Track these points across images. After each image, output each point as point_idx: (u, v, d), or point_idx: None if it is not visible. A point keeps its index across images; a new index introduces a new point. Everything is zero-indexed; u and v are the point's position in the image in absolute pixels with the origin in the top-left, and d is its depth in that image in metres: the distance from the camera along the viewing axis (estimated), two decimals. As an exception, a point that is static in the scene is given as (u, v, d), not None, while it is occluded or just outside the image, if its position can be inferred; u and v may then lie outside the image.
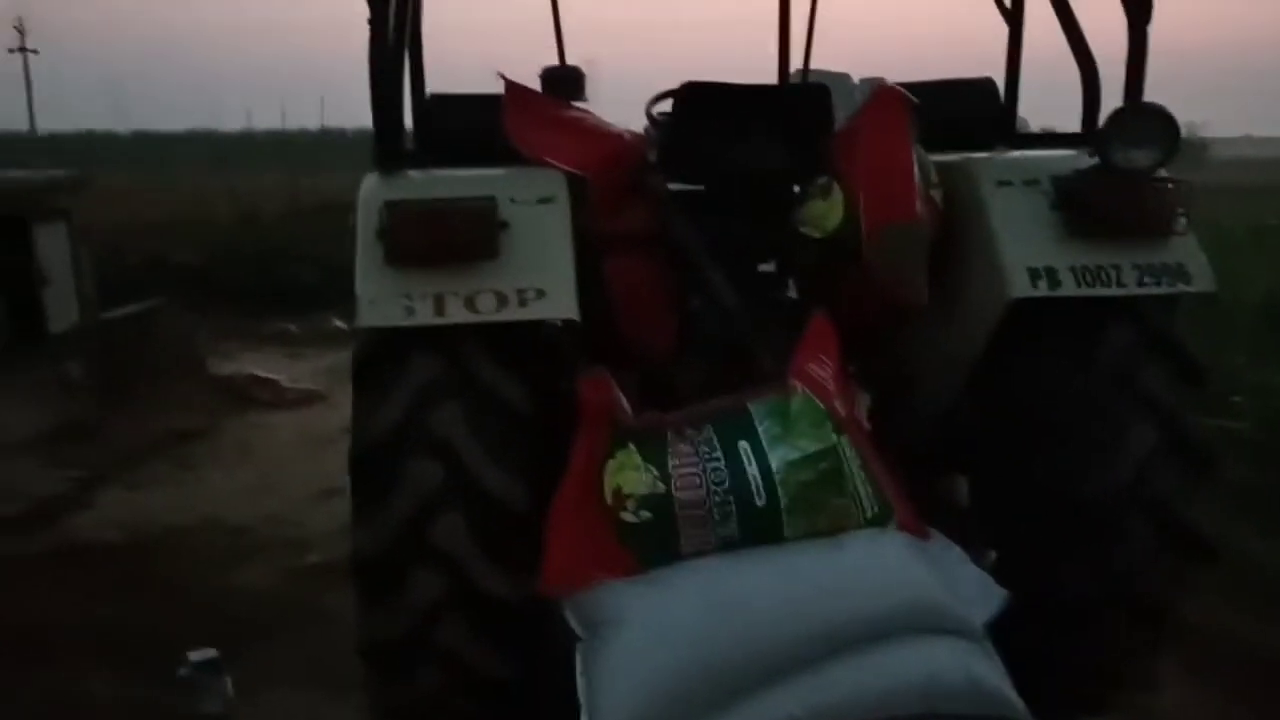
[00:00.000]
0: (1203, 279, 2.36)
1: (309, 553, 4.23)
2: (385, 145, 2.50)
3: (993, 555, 2.63)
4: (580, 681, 2.11)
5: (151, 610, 3.65)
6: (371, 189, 2.39)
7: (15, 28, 39.76)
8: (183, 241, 10.53)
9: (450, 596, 2.32)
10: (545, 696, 2.38)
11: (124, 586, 3.89)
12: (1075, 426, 2.40)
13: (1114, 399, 2.38)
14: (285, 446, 5.76)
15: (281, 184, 13.31)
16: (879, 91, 2.61)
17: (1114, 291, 2.34)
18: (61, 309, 6.02)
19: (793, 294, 2.87)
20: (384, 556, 2.32)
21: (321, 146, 16.52)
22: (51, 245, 5.98)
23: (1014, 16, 3.21)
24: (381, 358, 2.34)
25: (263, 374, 7.04)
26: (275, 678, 3.25)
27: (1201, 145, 26.40)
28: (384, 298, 2.27)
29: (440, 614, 2.33)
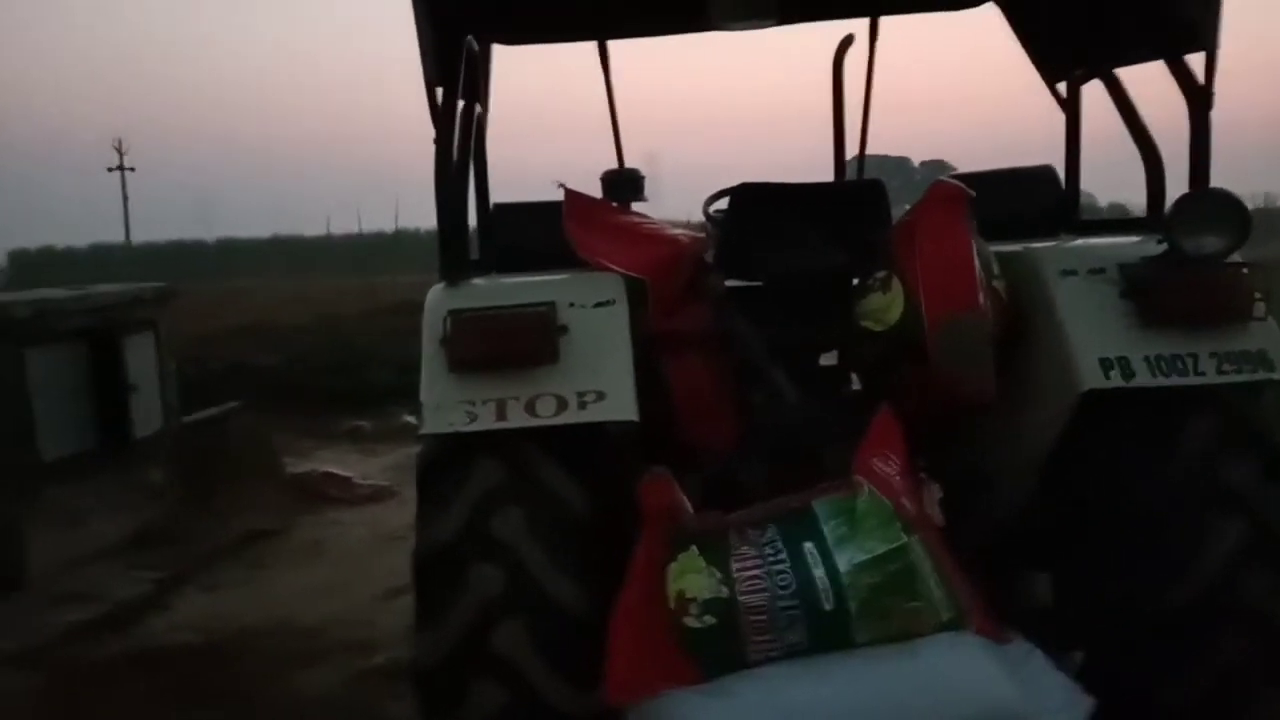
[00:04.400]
0: None
1: (376, 654, 4.22)
2: (450, 256, 2.59)
3: (1078, 658, 2.50)
4: (646, 797, 2.04)
5: (219, 716, 3.66)
6: (436, 298, 2.46)
7: (115, 148, 42.39)
8: (263, 345, 10.93)
9: (512, 706, 2.28)
10: None
11: (195, 691, 3.92)
12: (1157, 524, 2.29)
13: (1197, 494, 2.26)
14: (356, 544, 5.82)
15: (358, 285, 13.79)
16: (935, 185, 2.60)
17: (1191, 380, 2.25)
18: (146, 416, 6.24)
19: (856, 388, 2.83)
20: (445, 664, 2.30)
21: (396, 247, 17.11)
22: (139, 355, 6.24)
23: (1071, 105, 3.20)
24: (445, 463, 2.37)
25: (336, 471, 7.18)
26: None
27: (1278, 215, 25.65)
28: (447, 404, 2.31)
29: None
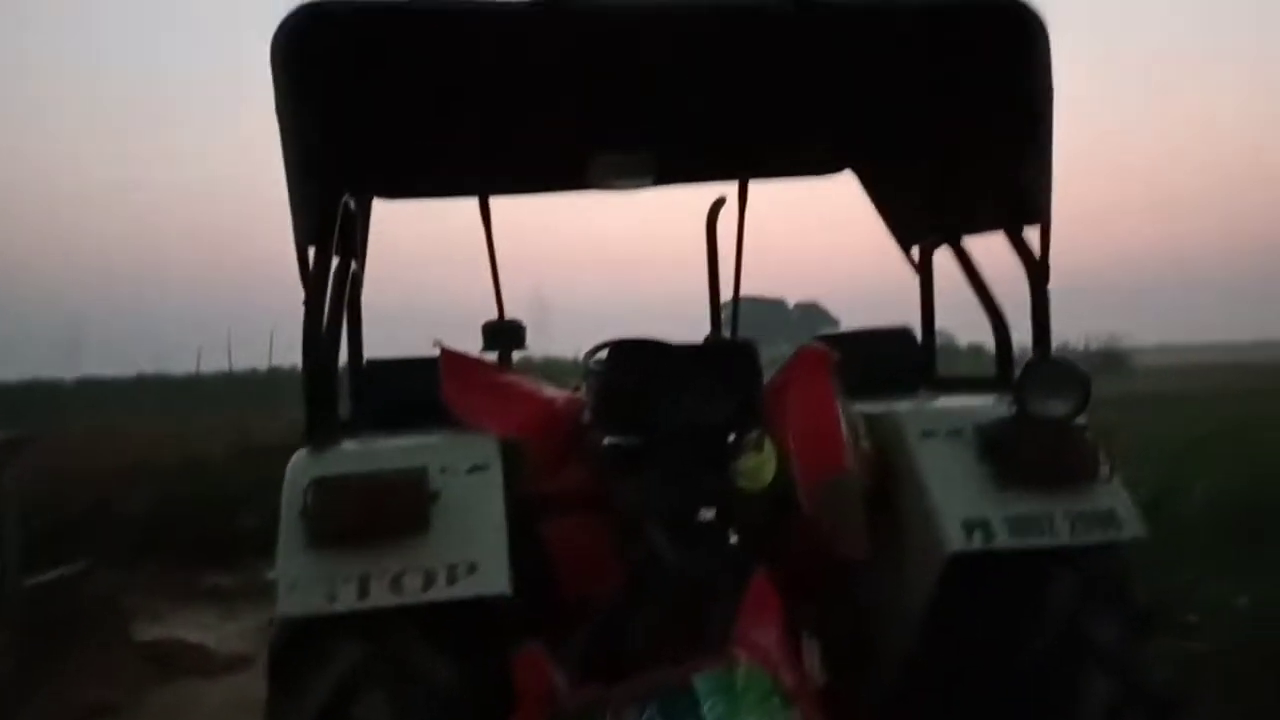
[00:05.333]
0: (1132, 526, 2.39)
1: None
2: (316, 418, 2.49)
3: None
4: None
5: None
6: (299, 465, 2.36)
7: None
8: (124, 491, 10.27)
9: None
10: None
11: None
12: (1030, 682, 2.33)
13: (1065, 653, 2.33)
14: (212, 717, 5.38)
15: (228, 424, 13.22)
16: (802, 351, 2.71)
17: (1048, 542, 2.34)
18: (-17, 577, 5.72)
19: (734, 543, 2.84)
20: None
21: (270, 385, 16.56)
22: (-28, 512, 5.76)
23: (924, 269, 3.41)
24: (302, 646, 2.22)
25: (191, 639, 6.70)
26: None
27: (1122, 355, 27.65)
28: (305, 582, 2.19)
29: None
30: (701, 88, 2.74)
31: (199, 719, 5.42)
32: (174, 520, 9.58)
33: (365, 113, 2.63)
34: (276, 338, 18.61)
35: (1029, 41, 2.43)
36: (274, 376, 17.38)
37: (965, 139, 2.85)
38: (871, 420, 2.63)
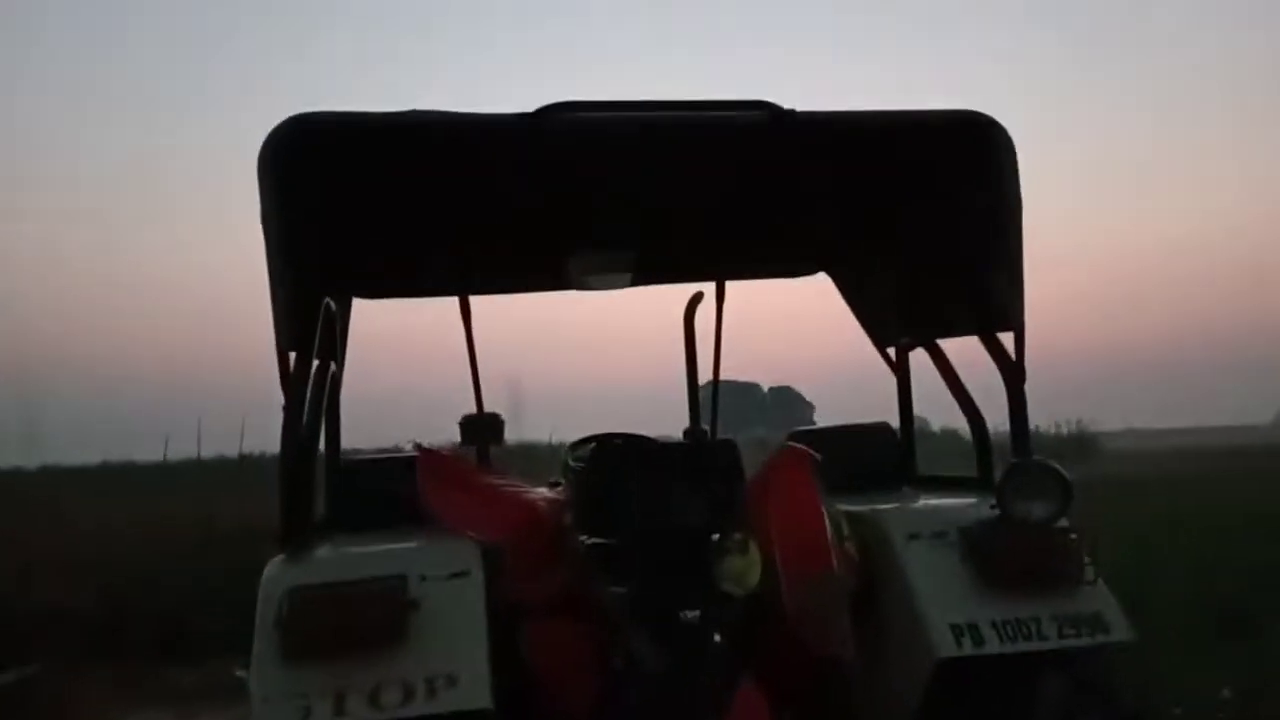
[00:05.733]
0: (1120, 629, 2.39)
1: None
2: (291, 523, 2.45)
3: None
4: None
5: None
6: (274, 574, 2.31)
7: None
8: (83, 584, 9.95)
9: None
10: None
11: None
12: None
13: None
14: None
15: (195, 514, 12.95)
16: (784, 451, 2.72)
17: (1037, 646, 2.33)
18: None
19: (719, 644, 2.79)
20: None
21: (240, 473, 16.31)
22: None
23: (900, 369, 3.45)
24: None
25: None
26: None
27: (1091, 439, 27.90)
28: (279, 697, 2.12)
29: None
30: (679, 195, 2.80)
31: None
32: (132, 616, 9.29)
33: (348, 217, 2.65)
34: (247, 425, 18.40)
35: (995, 154, 2.52)
36: (244, 464, 17.13)
37: (936, 246, 2.91)
38: (855, 519, 2.63)
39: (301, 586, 2.22)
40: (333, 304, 2.92)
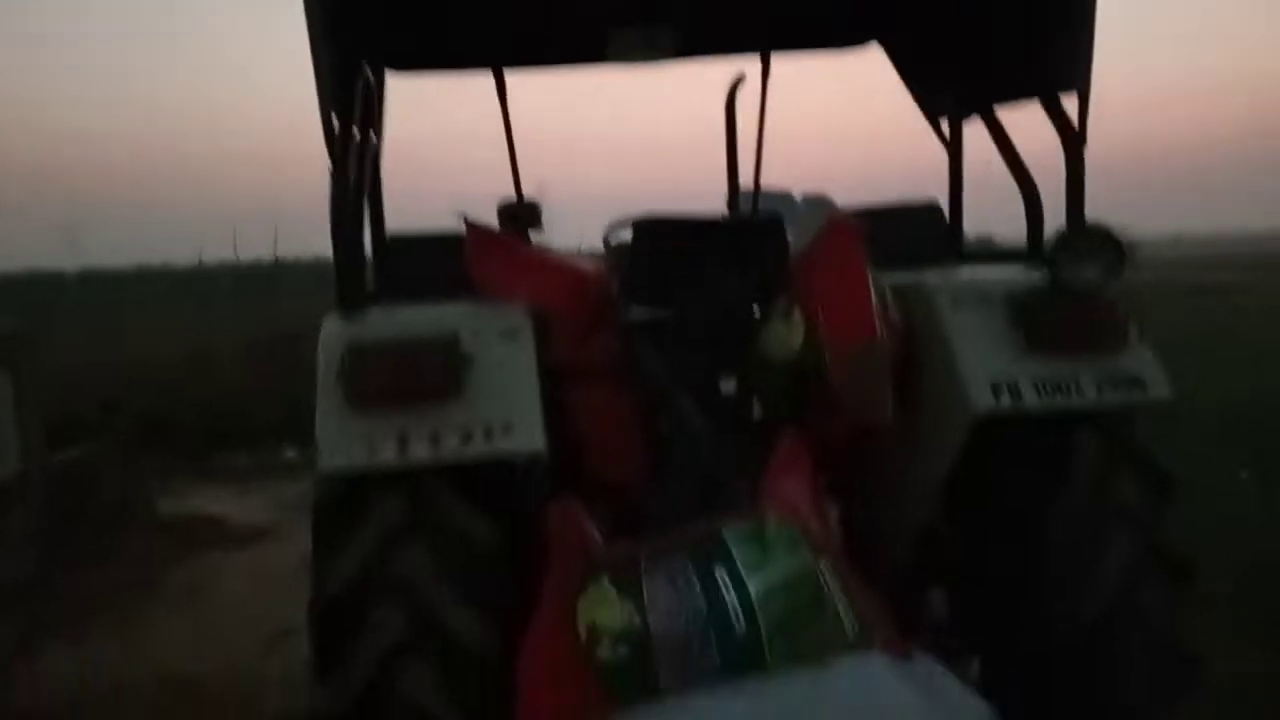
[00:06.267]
0: (1159, 387, 2.41)
1: (264, 704, 4.02)
2: (346, 287, 2.51)
3: (975, 667, 2.59)
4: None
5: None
6: (332, 331, 2.38)
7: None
8: (135, 383, 10.33)
9: None
10: None
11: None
12: (1054, 540, 2.40)
13: (1091, 512, 2.38)
14: (235, 589, 5.55)
15: (235, 317, 13.22)
16: (833, 220, 2.69)
17: (1075, 402, 2.37)
18: (2, 458, 5.82)
19: (759, 417, 2.88)
20: (349, 714, 2.20)
21: (275, 278, 16.50)
22: (-7, 395, 5.81)
23: (954, 142, 3.36)
24: (342, 502, 2.28)
25: (211, 513, 6.85)
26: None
27: (1132, 247, 27.33)
28: (345, 441, 2.22)
29: None
30: None
31: (224, 589, 5.58)
32: (183, 410, 9.70)
33: None
34: (281, 230, 18.46)
35: None
36: (279, 269, 17.28)
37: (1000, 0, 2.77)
38: (901, 290, 2.63)
39: (361, 341, 2.29)
40: (370, 73, 2.88)
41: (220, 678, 4.31)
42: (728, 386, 2.86)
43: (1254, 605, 4.26)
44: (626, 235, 3.13)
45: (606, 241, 3.35)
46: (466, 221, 2.84)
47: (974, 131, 3.26)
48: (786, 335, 2.61)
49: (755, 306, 2.83)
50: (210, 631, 4.88)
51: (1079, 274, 2.38)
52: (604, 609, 2.15)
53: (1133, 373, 2.40)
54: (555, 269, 2.90)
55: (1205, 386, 6.96)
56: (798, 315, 2.60)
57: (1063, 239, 2.45)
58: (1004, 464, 2.48)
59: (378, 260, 3.37)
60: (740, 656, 2.10)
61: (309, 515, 2.37)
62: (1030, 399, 2.36)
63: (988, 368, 2.40)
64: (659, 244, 2.88)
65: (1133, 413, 2.47)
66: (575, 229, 3.19)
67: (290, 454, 8.40)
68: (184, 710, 4.05)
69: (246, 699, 4.08)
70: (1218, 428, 6.39)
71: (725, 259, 2.86)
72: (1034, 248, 2.95)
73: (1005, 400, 2.35)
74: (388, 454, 2.21)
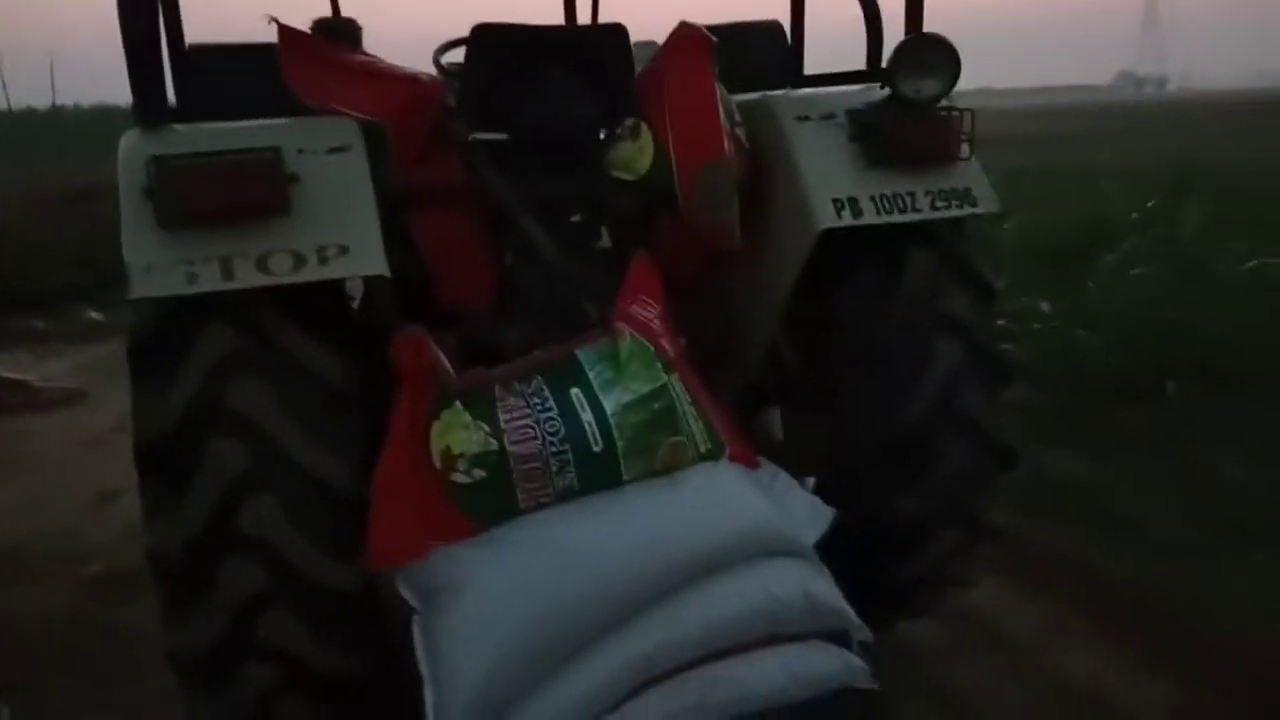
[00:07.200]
0: (987, 201, 2.52)
1: (91, 564, 3.83)
2: (144, 98, 2.22)
3: (811, 482, 2.73)
4: (421, 655, 2.00)
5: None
6: (133, 145, 2.11)
7: None
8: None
9: (271, 587, 2.12)
10: (387, 684, 2.25)
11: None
12: (884, 350, 2.51)
13: (919, 321, 2.50)
14: (49, 453, 5.19)
15: (11, 171, 11.87)
16: (679, 31, 2.59)
17: (910, 217, 2.44)
18: None
19: (607, 243, 2.83)
20: (190, 552, 2.08)
21: (54, 126, 14.85)
22: None
23: None
24: (164, 334, 2.09)
25: (12, 375, 6.32)
26: (66, 708, 2.92)
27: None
28: (160, 264, 2.00)
29: (261, 607, 2.13)
30: None
31: (37, 453, 5.23)
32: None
33: None
34: (57, 70, 16.50)
35: None
36: (58, 116, 15.57)
37: None
38: (744, 107, 2.60)
39: (168, 155, 2.05)
40: None
41: (43, 542, 4.07)
42: (575, 210, 2.78)
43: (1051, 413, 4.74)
44: (459, 58, 2.94)
45: (438, 62, 3.13)
46: (280, 26, 2.56)
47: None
48: (634, 155, 2.54)
49: (601, 128, 2.73)
50: (28, 497, 4.58)
51: (917, 86, 2.41)
52: (459, 433, 2.10)
53: (964, 187, 2.49)
54: (388, 77, 2.67)
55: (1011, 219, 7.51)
56: (646, 133, 2.52)
57: (901, 51, 2.47)
58: (840, 279, 2.55)
59: (176, 74, 3.01)
60: (596, 473, 2.12)
61: (122, 378, 2.17)
62: (869, 214, 2.41)
63: (830, 184, 2.43)
64: (498, 59, 2.71)
65: (962, 224, 2.58)
66: (400, 53, 2.92)
67: (93, 315, 7.78)
68: (8, 577, 3.80)
69: (72, 560, 3.87)
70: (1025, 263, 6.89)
71: (569, 74, 2.73)
72: (873, 67, 2.97)
73: (846, 216, 2.40)
74: (210, 279, 2.01)
